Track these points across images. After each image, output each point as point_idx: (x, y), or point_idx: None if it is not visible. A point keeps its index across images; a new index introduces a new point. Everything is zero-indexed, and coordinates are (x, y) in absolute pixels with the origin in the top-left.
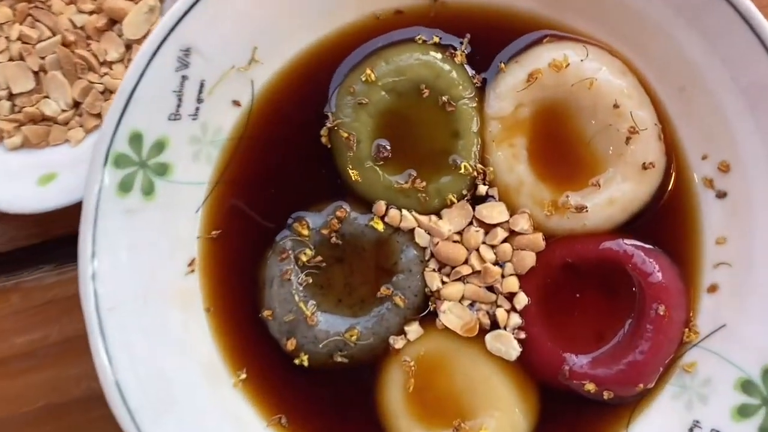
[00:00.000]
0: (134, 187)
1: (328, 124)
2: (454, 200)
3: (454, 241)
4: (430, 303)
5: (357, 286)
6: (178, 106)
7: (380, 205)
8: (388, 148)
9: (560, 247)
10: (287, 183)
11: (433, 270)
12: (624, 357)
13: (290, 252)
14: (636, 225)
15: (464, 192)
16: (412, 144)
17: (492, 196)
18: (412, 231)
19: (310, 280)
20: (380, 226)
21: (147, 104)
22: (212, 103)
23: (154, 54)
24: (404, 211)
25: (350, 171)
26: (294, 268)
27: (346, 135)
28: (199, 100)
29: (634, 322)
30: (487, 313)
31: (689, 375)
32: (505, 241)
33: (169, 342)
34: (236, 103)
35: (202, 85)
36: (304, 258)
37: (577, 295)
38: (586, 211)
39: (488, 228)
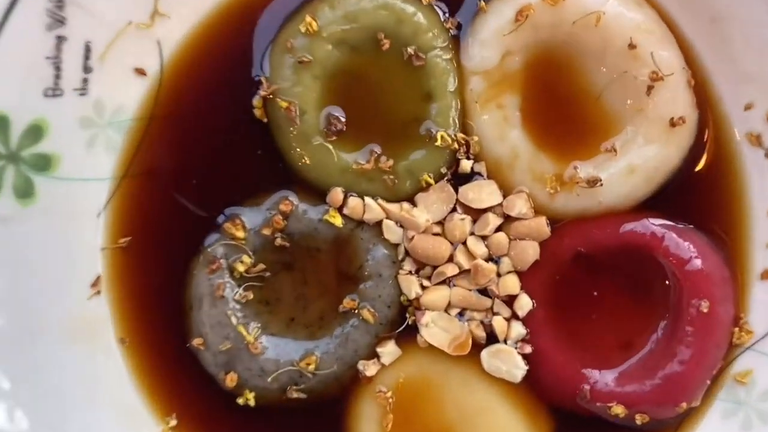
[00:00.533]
0: (3, 188)
1: (262, 92)
2: (431, 181)
3: (434, 234)
4: (407, 315)
5: (313, 299)
6: (57, 77)
7: (336, 193)
8: (342, 119)
9: (570, 234)
10: (214, 171)
11: (410, 272)
12: (660, 369)
13: (222, 261)
14: (665, 199)
15: (443, 170)
16: (372, 112)
17: (479, 173)
18: (379, 224)
19: (251, 296)
20: (338, 221)
21: (9, 76)
22: (107, 72)
23: (11, 7)
24: (368, 199)
25: (295, 151)
26: (228, 282)
27: (285, 104)
28: (87, 69)
29: (670, 324)
30: (482, 323)
31: (744, 387)
32: (498, 229)
33: (73, 387)
34: (140, 71)
35: (88, 49)
36: (241, 267)
37: (595, 294)
38: (601, 184)
39: (476, 214)
